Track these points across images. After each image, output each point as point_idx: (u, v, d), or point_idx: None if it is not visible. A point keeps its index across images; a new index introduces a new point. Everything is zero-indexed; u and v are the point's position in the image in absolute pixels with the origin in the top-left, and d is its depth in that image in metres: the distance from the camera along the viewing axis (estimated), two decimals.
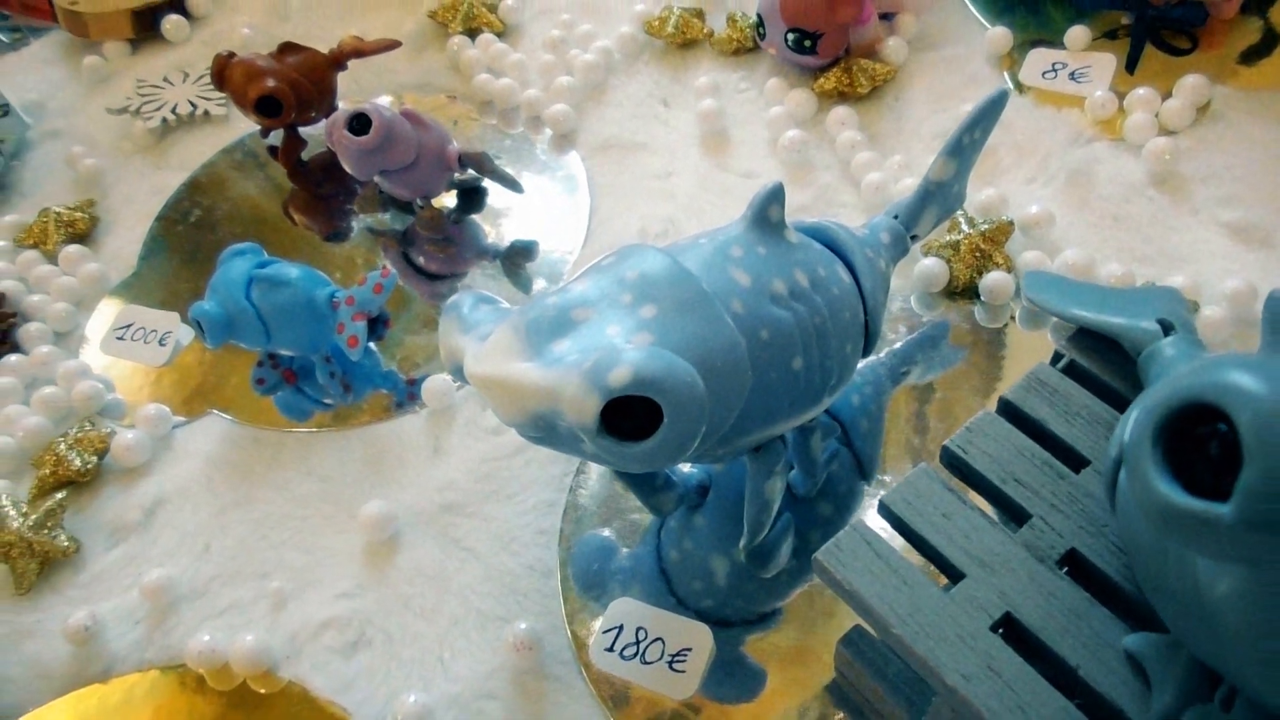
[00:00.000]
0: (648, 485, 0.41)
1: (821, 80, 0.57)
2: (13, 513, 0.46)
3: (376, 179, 0.54)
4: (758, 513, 0.38)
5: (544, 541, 0.44)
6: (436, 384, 0.49)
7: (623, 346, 0.30)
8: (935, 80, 0.57)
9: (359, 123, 0.51)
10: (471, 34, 0.66)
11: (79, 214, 0.60)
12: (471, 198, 0.58)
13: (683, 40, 0.62)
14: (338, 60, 0.59)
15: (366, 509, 0.45)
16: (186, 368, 0.54)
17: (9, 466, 0.50)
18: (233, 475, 0.49)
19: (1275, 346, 0.23)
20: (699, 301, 0.32)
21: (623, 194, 0.56)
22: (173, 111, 0.65)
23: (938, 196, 0.43)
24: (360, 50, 0.60)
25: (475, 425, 0.48)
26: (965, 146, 0.43)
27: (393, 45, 0.61)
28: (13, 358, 0.54)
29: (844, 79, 0.56)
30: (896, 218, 0.43)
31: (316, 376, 0.50)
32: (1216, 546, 0.18)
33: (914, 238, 0.44)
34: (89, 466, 0.49)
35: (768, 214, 0.35)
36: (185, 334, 0.55)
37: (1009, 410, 0.36)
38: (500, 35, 0.66)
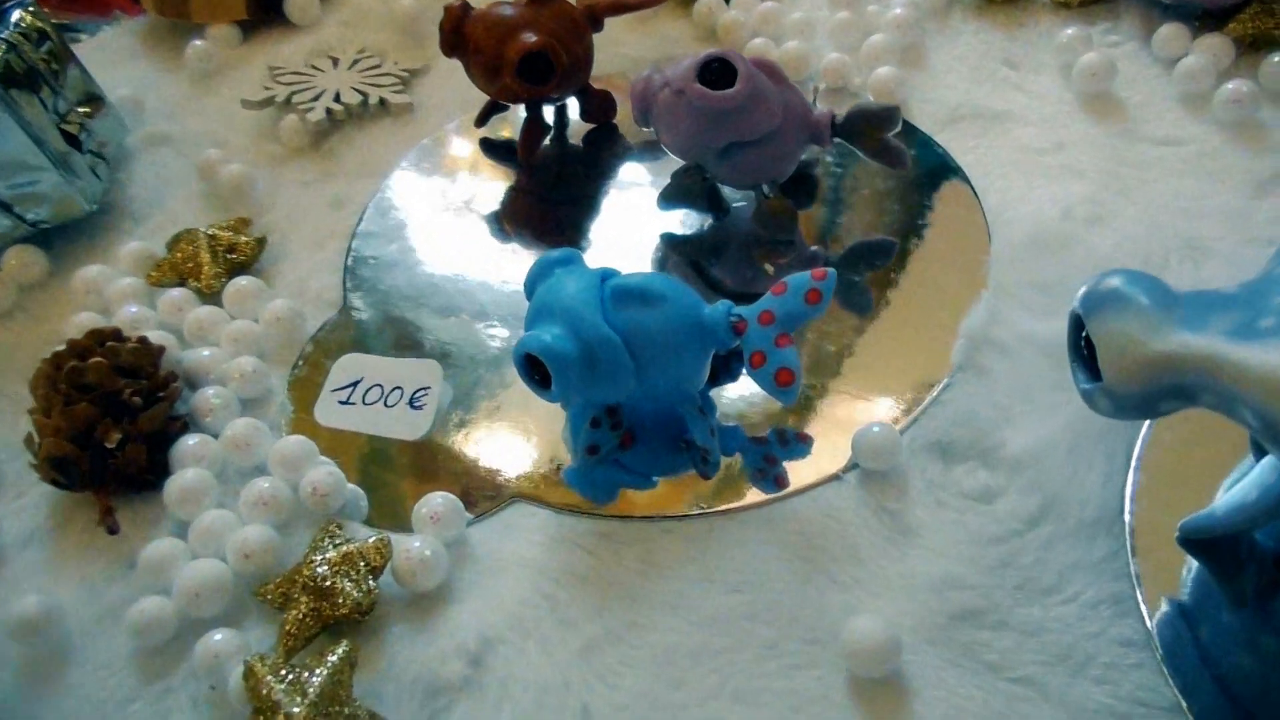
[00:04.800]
0: (1232, 561, 0.29)
1: (1234, 24, 0.44)
2: (278, 686, 0.29)
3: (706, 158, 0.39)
4: None
5: (1134, 658, 0.29)
6: (871, 439, 0.34)
7: None
8: None
9: (711, 73, 0.37)
10: None
11: (239, 236, 0.43)
12: (802, 186, 0.43)
13: None
14: (596, 14, 0.44)
15: (855, 632, 0.29)
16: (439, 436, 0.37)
17: (222, 605, 0.32)
18: (586, 592, 0.32)
19: None
20: None
21: (1008, 174, 0.43)
22: (336, 100, 0.49)
23: None
24: (620, 5, 0.45)
25: (942, 489, 0.33)
26: None
27: (657, 0, 0.46)
28: (192, 440, 0.36)
29: (1267, 21, 0.44)
30: None
31: (692, 434, 0.34)
32: None
33: None
34: (371, 597, 0.32)
35: None
36: (446, 390, 0.38)
37: None
38: None
